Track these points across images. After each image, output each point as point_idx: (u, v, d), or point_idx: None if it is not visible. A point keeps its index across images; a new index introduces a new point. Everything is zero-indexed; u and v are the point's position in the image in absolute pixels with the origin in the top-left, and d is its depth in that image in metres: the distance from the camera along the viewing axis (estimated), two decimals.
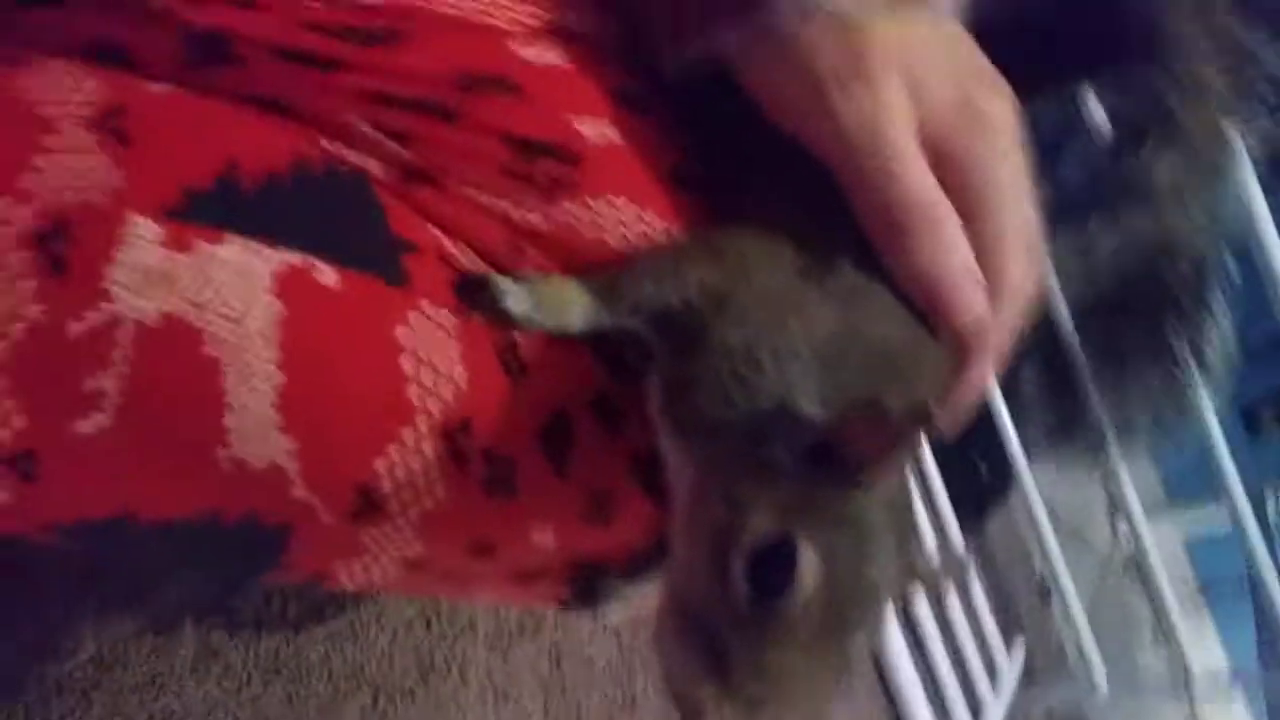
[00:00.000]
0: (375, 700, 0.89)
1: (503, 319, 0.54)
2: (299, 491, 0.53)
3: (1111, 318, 0.70)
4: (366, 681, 0.89)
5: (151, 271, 0.47)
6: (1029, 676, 2.21)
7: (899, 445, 0.46)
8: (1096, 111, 0.70)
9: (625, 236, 0.57)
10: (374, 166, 0.55)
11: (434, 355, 0.53)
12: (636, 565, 0.64)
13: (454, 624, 0.98)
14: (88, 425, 0.48)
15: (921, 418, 0.45)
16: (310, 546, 0.57)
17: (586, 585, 0.65)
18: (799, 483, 0.48)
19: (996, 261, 0.56)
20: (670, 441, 0.55)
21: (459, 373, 0.54)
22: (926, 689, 1.82)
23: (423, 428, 0.53)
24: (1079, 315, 0.77)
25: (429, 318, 0.53)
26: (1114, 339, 0.72)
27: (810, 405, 0.50)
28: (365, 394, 0.52)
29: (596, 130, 0.58)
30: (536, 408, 0.57)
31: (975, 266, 0.56)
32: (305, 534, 0.55)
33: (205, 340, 0.48)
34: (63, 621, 0.71)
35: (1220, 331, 0.72)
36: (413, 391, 0.53)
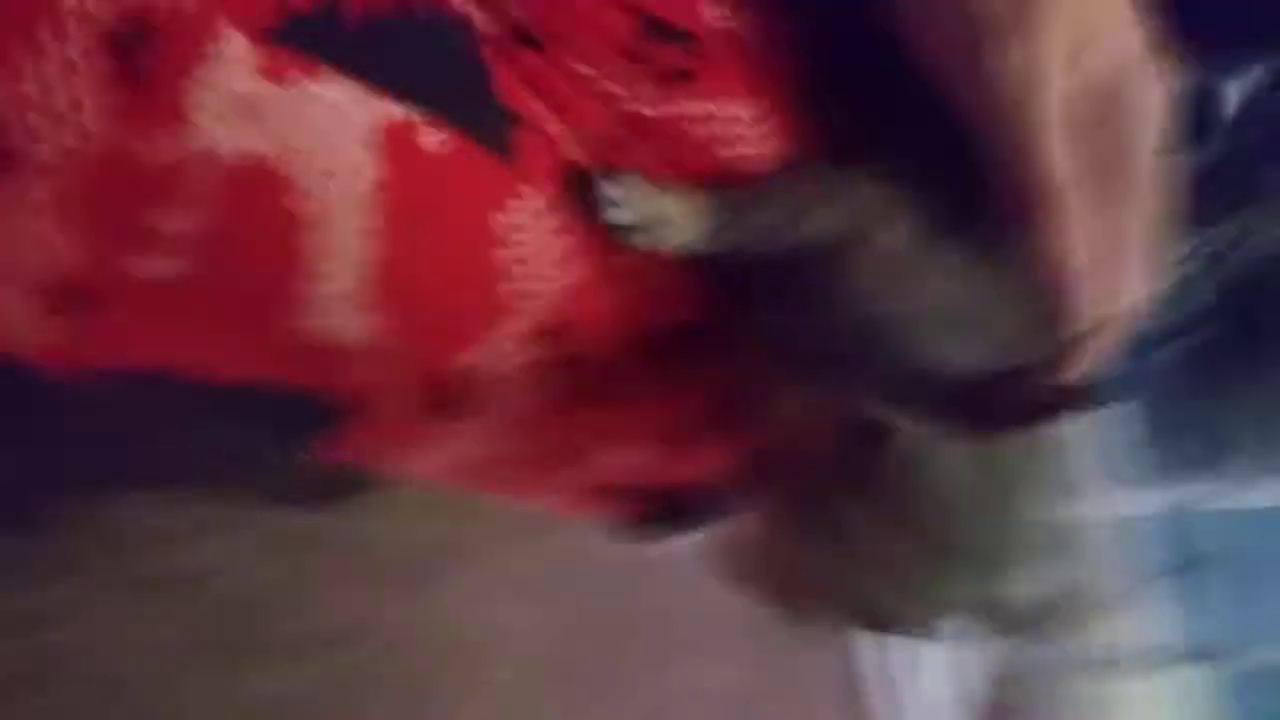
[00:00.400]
0: (380, 582, 0.85)
1: (608, 227, 0.48)
2: (369, 374, 0.47)
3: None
4: (375, 562, 0.84)
5: (240, 99, 0.40)
6: None
7: (1040, 410, 0.42)
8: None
9: (739, 146, 0.51)
10: (480, 18, 0.48)
11: (535, 251, 0.47)
12: (705, 502, 0.59)
13: (474, 510, 0.93)
14: (152, 266, 0.42)
15: (1069, 393, 0.42)
16: (365, 431, 0.52)
17: (649, 514, 0.60)
18: (926, 414, 0.44)
19: (1114, 261, 0.52)
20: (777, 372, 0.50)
21: (559, 273, 0.48)
22: None
23: (515, 327, 0.47)
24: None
25: (533, 207, 0.47)
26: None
27: (937, 358, 0.46)
28: (460, 282, 0.46)
29: (728, 23, 0.51)
30: (636, 319, 0.51)
31: (1101, 257, 0.51)
32: (363, 418, 0.50)
33: (293, 192, 0.42)
34: (75, 457, 0.66)
35: None
36: (509, 288, 0.47)
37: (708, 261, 0.52)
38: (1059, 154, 0.49)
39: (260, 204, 0.42)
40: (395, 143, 0.43)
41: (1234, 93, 0.64)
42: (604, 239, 0.49)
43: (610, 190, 0.48)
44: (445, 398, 0.48)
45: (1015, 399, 0.42)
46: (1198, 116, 0.60)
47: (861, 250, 0.49)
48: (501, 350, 0.48)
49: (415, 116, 0.44)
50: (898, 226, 0.50)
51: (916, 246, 0.50)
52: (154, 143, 0.39)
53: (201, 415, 0.52)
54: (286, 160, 0.41)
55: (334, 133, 0.42)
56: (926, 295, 0.48)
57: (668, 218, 0.49)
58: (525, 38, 0.48)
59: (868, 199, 0.50)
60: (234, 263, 0.43)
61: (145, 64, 0.39)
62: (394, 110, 0.43)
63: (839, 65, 0.56)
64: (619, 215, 0.48)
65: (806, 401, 0.49)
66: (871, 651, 1.67)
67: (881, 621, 0.45)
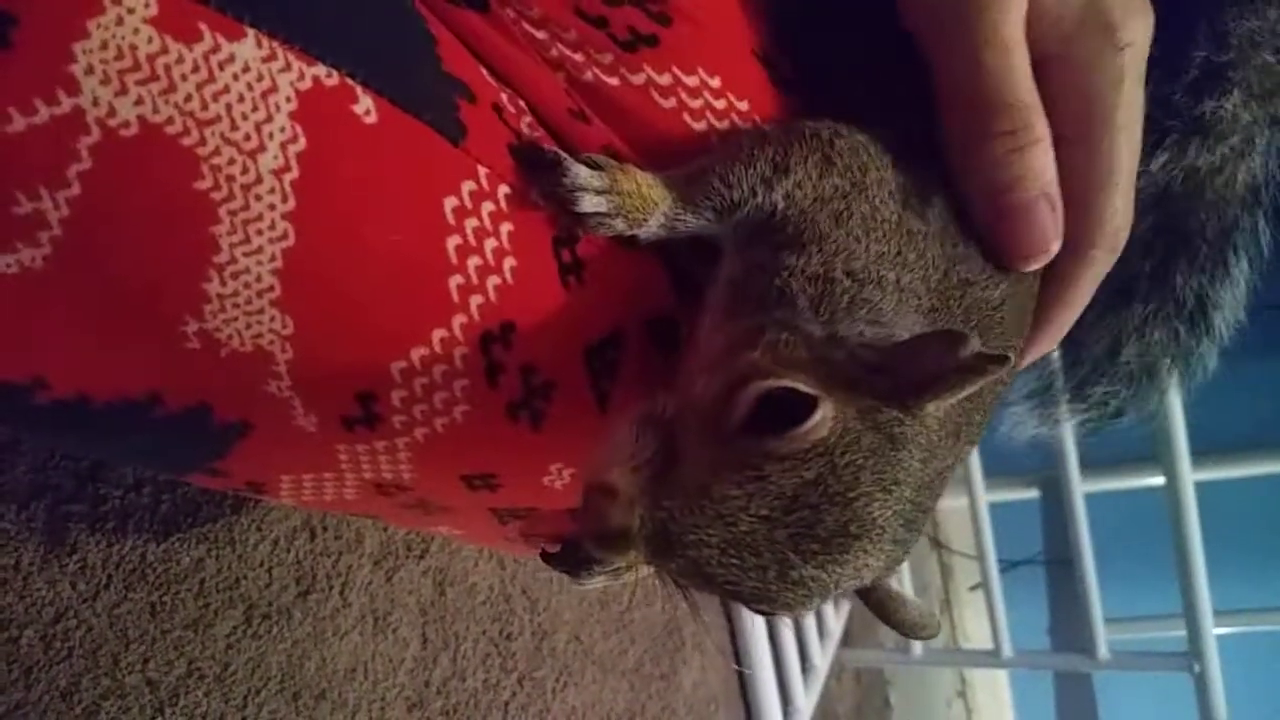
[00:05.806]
0: (249, 619, 0.76)
1: (572, 214, 0.43)
2: (279, 386, 0.41)
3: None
4: (241, 596, 0.76)
5: (140, 61, 0.34)
6: (845, 638, 2.27)
7: (956, 377, 0.39)
8: None
9: (707, 120, 0.47)
10: None
11: (485, 240, 0.42)
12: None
13: (340, 537, 0.86)
14: (13, 259, 0.34)
15: (989, 363, 0.39)
16: (263, 453, 0.45)
17: (575, 544, 0.54)
18: (853, 377, 0.41)
19: (1098, 200, 0.49)
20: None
21: (508, 265, 0.42)
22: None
23: (458, 330, 0.42)
24: None
25: (484, 190, 0.41)
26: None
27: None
28: (397, 278, 0.40)
29: None
30: (589, 320, 0.46)
31: (1056, 194, 0.47)
32: (264, 437, 0.43)
33: (202, 171, 0.35)
34: None
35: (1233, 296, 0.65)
36: (456, 284, 0.41)
37: (668, 250, 0.48)
38: (1021, 72, 0.46)
39: (156, 182, 0.35)
40: (324, 112, 0.37)
41: None
42: (557, 227, 0.44)
43: (579, 172, 0.43)
44: (371, 414, 0.42)
45: (959, 365, 0.39)
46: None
47: (860, 210, 0.45)
48: (443, 356, 0.42)
49: (348, 82, 0.37)
50: (886, 186, 0.47)
51: (902, 208, 0.47)
52: (25, 109, 0.32)
53: (66, 434, 0.44)
54: (191, 131, 0.35)
55: (255, 102, 0.36)
56: (923, 260, 0.46)
57: (640, 201, 0.44)
58: None
59: (859, 160, 0.47)
60: (116, 254, 0.36)
61: (17, 16, 0.32)
62: (322, 74, 0.37)
63: (800, 28, 0.52)
64: (584, 201, 0.43)
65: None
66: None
67: (753, 600, 0.41)
